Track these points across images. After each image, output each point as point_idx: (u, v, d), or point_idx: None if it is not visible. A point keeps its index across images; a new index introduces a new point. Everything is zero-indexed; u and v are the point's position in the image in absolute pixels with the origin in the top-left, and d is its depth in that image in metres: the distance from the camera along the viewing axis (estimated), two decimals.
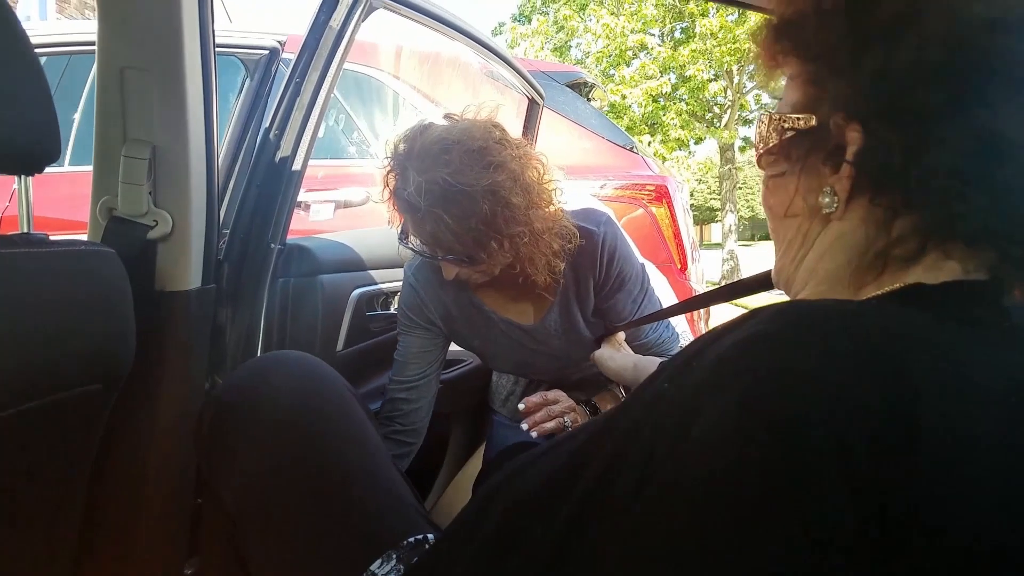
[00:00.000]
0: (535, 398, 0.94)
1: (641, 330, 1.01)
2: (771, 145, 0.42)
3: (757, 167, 0.45)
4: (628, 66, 10.70)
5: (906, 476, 0.23)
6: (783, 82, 0.43)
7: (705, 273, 2.36)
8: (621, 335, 0.99)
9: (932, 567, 0.23)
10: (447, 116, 0.89)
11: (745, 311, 0.33)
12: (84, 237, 0.77)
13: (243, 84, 1.64)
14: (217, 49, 0.78)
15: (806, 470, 0.23)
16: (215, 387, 0.81)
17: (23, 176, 0.60)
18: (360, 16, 0.90)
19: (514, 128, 1.62)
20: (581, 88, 2.16)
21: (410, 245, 0.91)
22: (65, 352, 0.57)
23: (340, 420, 0.68)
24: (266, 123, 0.97)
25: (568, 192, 0.94)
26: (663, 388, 0.32)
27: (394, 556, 0.57)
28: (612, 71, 10.64)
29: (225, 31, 1.67)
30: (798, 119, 0.40)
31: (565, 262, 0.91)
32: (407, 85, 1.96)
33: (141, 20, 0.70)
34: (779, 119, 0.41)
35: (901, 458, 0.24)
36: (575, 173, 1.83)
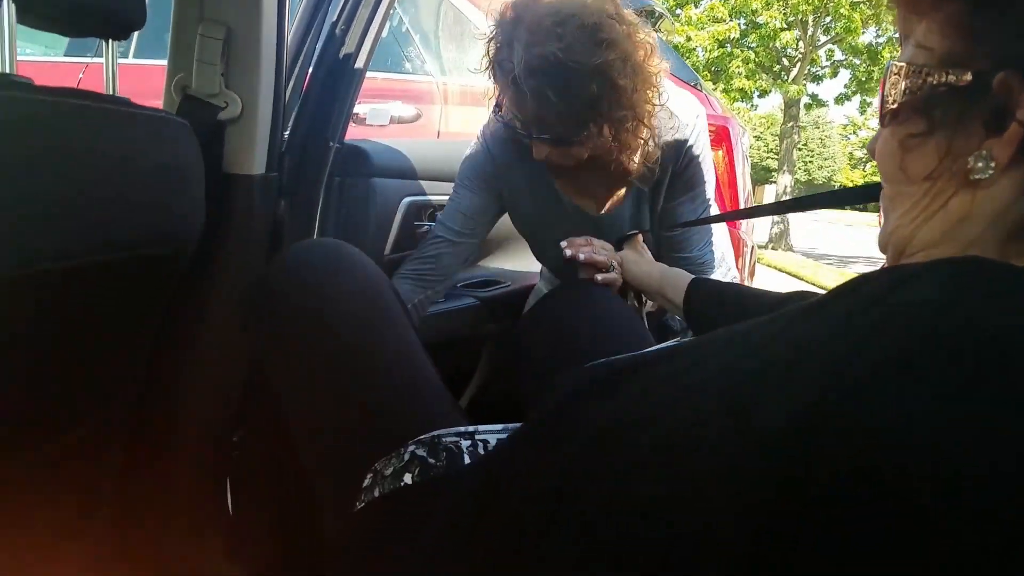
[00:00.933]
0: (580, 240, 0.94)
1: (689, 244, 1.00)
2: (913, 100, 0.37)
3: (879, 123, 0.39)
4: (696, 6, 10.07)
5: None
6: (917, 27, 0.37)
7: (755, 232, 2.28)
8: (640, 239, 0.98)
9: None
10: None
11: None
12: None
13: None
14: None
15: None
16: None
17: (110, 40, 0.62)
18: None
19: None
20: (649, 17, 2.05)
21: (504, 119, 0.89)
22: (142, 211, 0.61)
23: (389, 315, 0.71)
24: (332, 18, 0.97)
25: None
26: (822, 344, 0.27)
27: (426, 441, 0.60)
28: (679, 10, 10.04)
29: None
30: (949, 73, 0.35)
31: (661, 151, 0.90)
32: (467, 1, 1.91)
33: None
34: (922, 72, 0.36)
35: None
36: None
